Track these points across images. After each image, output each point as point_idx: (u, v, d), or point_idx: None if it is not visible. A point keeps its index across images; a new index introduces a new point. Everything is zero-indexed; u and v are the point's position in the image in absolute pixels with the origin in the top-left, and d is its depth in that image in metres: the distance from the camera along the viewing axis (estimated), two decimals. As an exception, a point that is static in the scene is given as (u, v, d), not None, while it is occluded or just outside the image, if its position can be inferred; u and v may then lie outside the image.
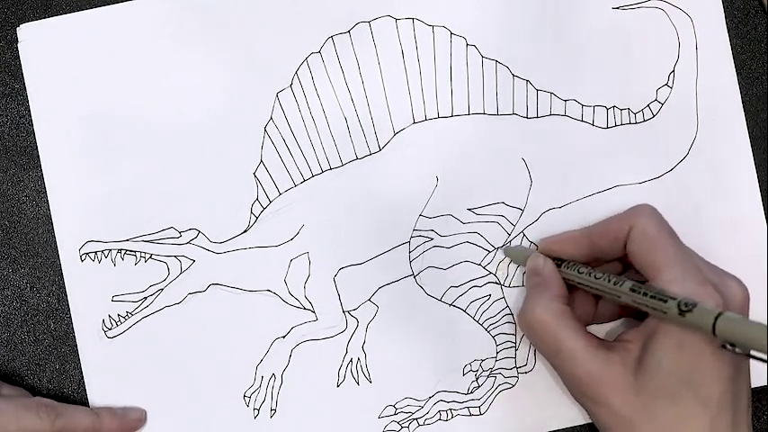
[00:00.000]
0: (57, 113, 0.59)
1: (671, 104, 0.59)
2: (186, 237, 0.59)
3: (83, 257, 0.59)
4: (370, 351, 0.59)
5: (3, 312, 0.59)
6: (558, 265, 0.55)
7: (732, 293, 0.51)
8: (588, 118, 0.59)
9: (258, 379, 0.58)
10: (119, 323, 0.58)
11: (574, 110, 0.59)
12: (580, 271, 0.54)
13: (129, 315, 0.58)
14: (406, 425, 0.58)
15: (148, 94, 0.59)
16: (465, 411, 0.59)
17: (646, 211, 0.53)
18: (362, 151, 0.59)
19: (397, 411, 0.58)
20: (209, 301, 0.59)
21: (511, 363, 0.59)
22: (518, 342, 0.59)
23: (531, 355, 0.59)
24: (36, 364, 0.59)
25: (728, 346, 0.47)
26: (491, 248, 0.59)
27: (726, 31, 0.60)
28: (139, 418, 0.58)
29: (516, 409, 0.59)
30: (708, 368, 0.49)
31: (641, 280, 0.52)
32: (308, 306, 0.59)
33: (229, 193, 0.59)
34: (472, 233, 0.59)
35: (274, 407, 0.58)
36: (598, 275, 0.52)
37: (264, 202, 0.59)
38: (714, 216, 0.59)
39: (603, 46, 0.59)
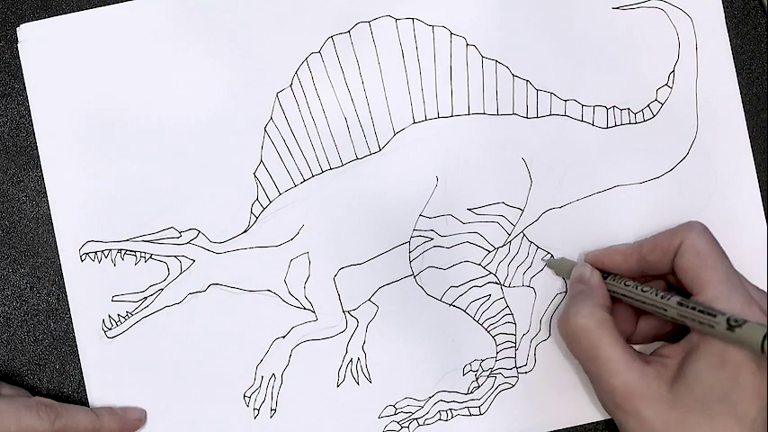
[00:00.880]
0: (57, 113, 0.59)
1: (671, 104, 0.59)
2: (186, 237, 0.59)
3: (83, 257, 0.59)
4: (370, 351, 0.59)
5: (3, 312, 0.59)
6: (605, 278, 0.55)
7: None
8: (588, 118, 0.59)
9: (258, 379, 0.58)
10: (119, 323, 0.58)
11: (574, 110, 0.59)
12: (627, 284, 0.54)
13: (129, 315, 0.58)
14: (406, 425, 0.58)
15: (148, 94, 0.59)
16: (465, 411, 0.58)
17: (697, 228, 0.53)
18: (362, 151, 0.59)
19: (397, 411, 0.58)
20: (210, 302, 0.59)
21: (511, 363, 0.59)
22: (518, 342, 0.59)
23: (532, 355, 0.59)
24: (36, 364, 0.59)
25: None
26: (491, 248, 0.59)
27: (726, 31, 0.60)
28: (139, 417, 0.58)
29: (516, 409, 0.59)
30: (747, 387, 0.49)
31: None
32: (308, 306, 0.59)
33: (229, 193, 0.59)
34: (472, 233, 0.59)
35: (274, 407, 0.58)
36: (645, 288, 0.52)
37: (264, 202, 0.59)
38: (714, 216, 0.59)
39: (603, 46, 0.59)
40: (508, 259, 0.59)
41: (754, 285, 0.53)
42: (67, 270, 0.59)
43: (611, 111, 0.59)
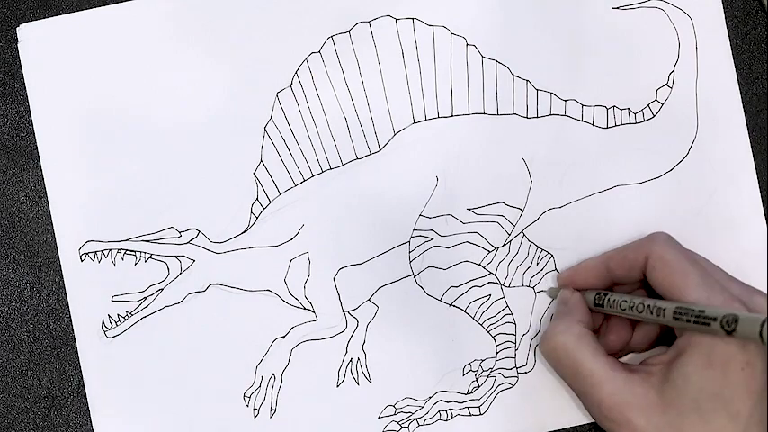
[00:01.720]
0: (56, 113, 0.59)
1: (671, 104, 0.59)
2: (186, 237, 0.59)
3: (82, 257, 0.59)
4: (370, 351, 0.59)
5: (3, 312, 0.59)
6: (599, 303, 0.55)
7: (759, 307, 0.51)
8: (588, 118, 0.59)
9: (258, 379, 0.58)
10: (118, 323, 0.58)
11: (574, 110, 0.59)
12: (622, 307, 0.53)
13: (129, 315, 0.58)
14: (406, 425, 0.58)
15: (148, 94, 0.59)
16: (465, 411, 0.59)
17: (660, 239, 0.54)
18: (362, 151, 0.59)
19: (397, 411, 0.58)
20: (209, 301, 0.59)
21: (511, 363, 0.59)
22: (518, 342, 0.59)
23: (531, 355, 0.59)
24: (36, 364, 0.59)
25: None
26: (491, 248, 0.59)
27: (726, 31, 0.60)
28: None
29: (516, 409, 0.59)
30: (738, 383, 0.48)
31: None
32: (308, 306, 0.59)
33: (229, 193, 0.59)
34: (472, 233, 0.59)
35: (274, 407, 0.58)
36: (640, 308, 0.52)
37: (264, 201, 0.59)
38: (714, 216, 0.59)
39: (603, 46, 0.59)
40: (508, 259, 0.59)
41: (732, 278, 0.53)
42: (67, 270, 0.59)
43: (611, 111, 0.59)
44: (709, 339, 0.49)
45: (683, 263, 0.52)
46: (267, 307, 0.59)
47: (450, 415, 0.58)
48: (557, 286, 0.58)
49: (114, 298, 0.59)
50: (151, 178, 0.59)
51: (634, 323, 0.56)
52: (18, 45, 0.60)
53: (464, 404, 0.58)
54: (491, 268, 0.59)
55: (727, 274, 0.53)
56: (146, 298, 0.59)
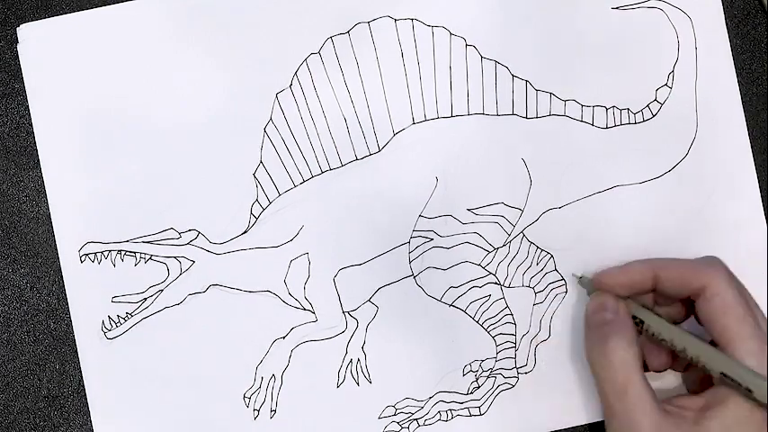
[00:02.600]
0: (56, 114, 0.59)
1: (670, 105, 0.59)
2: (186, 238, 0.59)
3: (82, 259, 0.59)
4: (370, 352, 0.59)
5: (3, 312, 0.59)
6: (643, 324, 0.54)
7: None
8: (588, 118, 0.59)
9: (258, 380, 0.58)
10: (118, 324, 0.58)
11: (573, 110, 0.59)
12: (661, 338, 0.53)
13: (129, 316, 0.58)
14: (406, 425, 0.58)
15: (148, 94, 0.59)
16: (465, 412, 0.59)
17: (723, 273, 0.52)
18: (362, 152, 0.59)
19: (397, 412, 0.58)
20: (209, 302, 0.59)
21: (511, 363, 0.59)
22: (518, 342, 0.59)
23: (532, 355, 0.59)
24: (36, 364, 0.59)
25: None
26: (491, 249, 0.59)
27: (726, 31, 0.60)
28: None
29: (516, 409, 0.59)
30: None
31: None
32: (308, 307, 0.59)
33: (229, 194, 0.59)
34: (472, 233, 0.59)
35: (274, 408, 0.58)
36: (681, 351, 0.52)
37: (264, 202, 0.59)
38: (714, 216, 0.59)
39: (603, 46, 0.59)
40: (508, 260, 0.59)
41: None
42: (67, 271, 0.59)
43: (610, 111, 0.59)
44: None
45: (741, 307, 0.51)
46: (267, 308, 0.59)
47: (450, 415, 0.58)
48: (589, 280, 0.57)
49: (114, 299, 0.59)
50: (151, 179, 0.59)
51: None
52: (18, 45, 0.59)
53: (464, 404, 0.59)
54: (491, 269, 0.59)
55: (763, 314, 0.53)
56: (146, 299, 0.59)
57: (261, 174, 0.59)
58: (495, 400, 0.59)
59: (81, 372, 0.59)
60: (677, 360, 0.55)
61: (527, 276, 0.59)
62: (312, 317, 0.59)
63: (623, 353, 0.52)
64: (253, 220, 0.59)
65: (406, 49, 0.59)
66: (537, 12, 0.59)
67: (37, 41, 0.59)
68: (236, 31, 0.59)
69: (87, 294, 0.59)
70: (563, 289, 0.59)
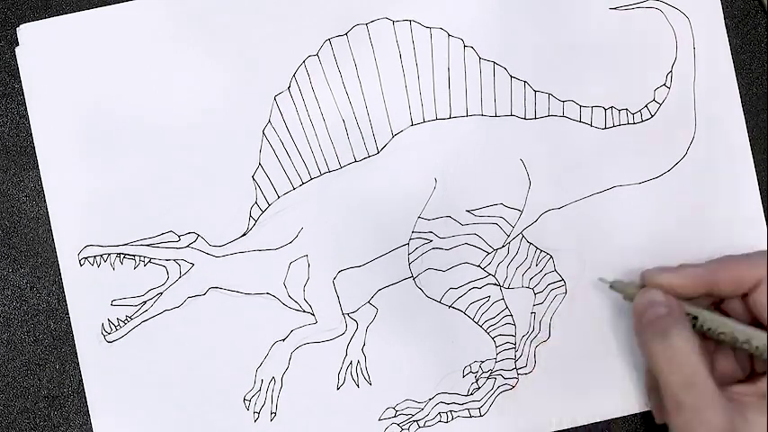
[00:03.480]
0: (55, 114, 0.59)
1: (669, 105, 0.59)
2: (185, 240, 0.59)
3: (82, 262, 0.59)
4: (370, 353, 0.59)
5: (3, 312, 0.59)
6: (697, 320, 0.54)
7: None
8: (586, 118, 0.59)
9: (258, 382, 0.58)
10: (118, 327, 0.58)
11: (572, 110, 0.59)
12: (718, 333, 0.53)
13: (129, 319, 0.58)
14: (407, 427, 0.58)
15: (147, 95, 0.59)
16: (465, 413, 0.59)
17: None
18: (361, 154, 0.59)
19: (398, 413, 0.58)
20: (209, 305, 0.59)
21: (511, 364, 0.59)
22: (518, 343, 0.59)
23: (531, 356, 0.59)
24: (36, 364, 0.59)
25: None
26: (490, 250, 0.59)
27: (725, 30, 0.59)
28: None
29: (516, 410, 0.59)
30: None
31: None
32: (308, 309, 0.59)
33: (228, 197, 0.59)
34: (471, 235, 0.59)
35: (274, 410, 0.59)
36: (756, 343, 0.52)
37: (263, 205, 0.59)
38: (714, 216, 0.59)
39: (601, 47, 0.59)
40: (507, 260, 0.59)
41: None
42: (67, 274, 0.59)
43: (609, 111, 0.59)
44: None
45: None
46: (267, 310, 0.59)
47: (450, 417, 0.59)
48: (625, 284, 0.57)
49: (114, 302, 0.59)
50: (149, 181, 0.59)
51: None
52: (18, 45, 0.59)
53: (464, 406, 0.59)
54: (490, 270, 0.59)
55: None
56: (145, 302, 0.59)
57: (260, 176, 0.59)
58: (495, 401, 0.59)
59: (81, 372, 0.59)
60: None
61: (526, 277, 0.59)
62: (312, 319, 0.59)
63: (689, 344, 0.51)
64: (252, 222, 0.59)
65: (404, 51, 0.59)
66: (535, 13, 0.59)
67: (37, 42, 0.59)
68: (234, 33, 0.59)
69: (87, 297, 0.59)
70: (562, 290, 0.59)
